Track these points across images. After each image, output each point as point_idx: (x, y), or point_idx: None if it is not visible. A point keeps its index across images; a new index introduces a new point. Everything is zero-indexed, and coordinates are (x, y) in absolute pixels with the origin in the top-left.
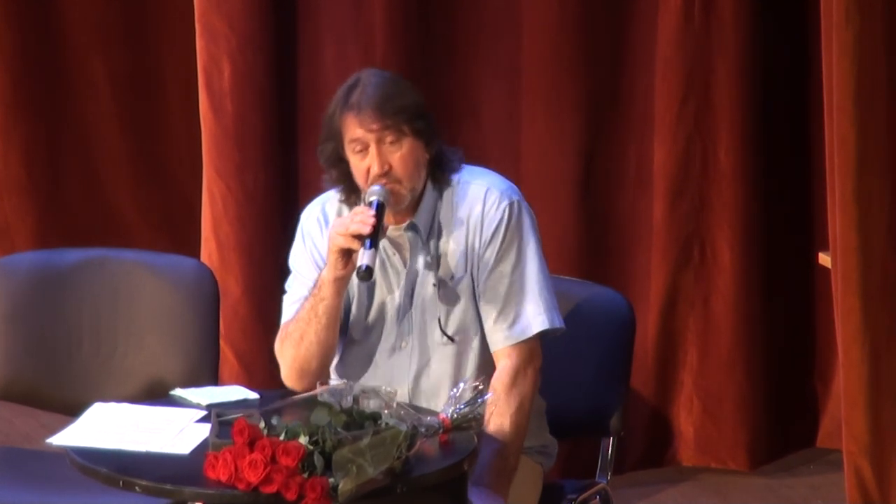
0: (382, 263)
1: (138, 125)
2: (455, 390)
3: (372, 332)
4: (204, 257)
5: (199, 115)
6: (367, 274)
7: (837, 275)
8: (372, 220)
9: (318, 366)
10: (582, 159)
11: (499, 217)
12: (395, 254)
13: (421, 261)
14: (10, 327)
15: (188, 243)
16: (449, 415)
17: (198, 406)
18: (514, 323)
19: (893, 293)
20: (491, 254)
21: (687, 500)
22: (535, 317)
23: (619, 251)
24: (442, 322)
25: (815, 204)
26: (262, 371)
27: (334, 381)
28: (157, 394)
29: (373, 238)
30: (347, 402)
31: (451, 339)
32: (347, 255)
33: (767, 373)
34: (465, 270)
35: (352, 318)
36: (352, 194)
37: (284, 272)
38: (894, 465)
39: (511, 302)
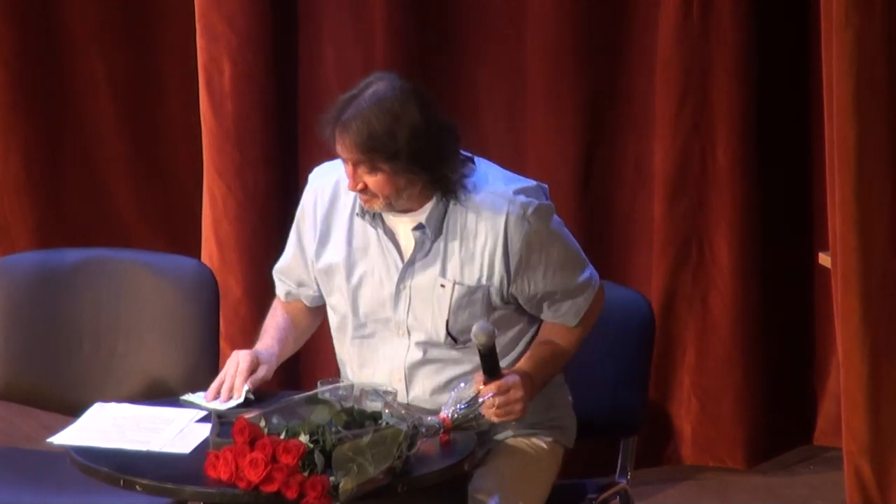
0: (375, 255)
1: (138, 125)
2: (455, 390)
3: (363, 321)
4: (204, 257)
5: (200, 115)
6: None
7: (837, 275)
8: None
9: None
10: (581, 159)
11: (523, 239)
12: (392, 247)
13: (428, 260)
14: (10, 327)
15: (188, 243)
16: (449, 415)
17: (203, 410)
18: (567, 313)
19: (893, 293)
20: (523, 275)
21: (685, 499)
22: (584, 302)
23: (618, 250)
24: (450, 323)
25: (815, 203)
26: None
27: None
28: (157, 394)
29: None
30: (348, 401)
31: (454, 339)
32: None
33: (765, 371)
34: (482, 282)
35: (337, 303)
36: None
37: None
38: (894, 465)
39: (560, 302)
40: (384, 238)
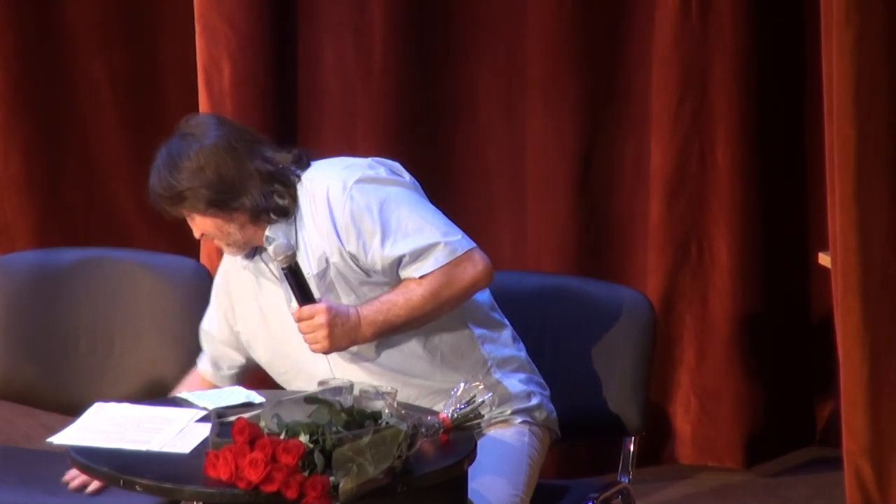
0: (259, 281)
1: (138, 125)
2: (455, 390)
3: (283, 339)
4: (203, 258)
5: None
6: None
7: (837, 275)
8: None
9: None
10: (580, 158)
11: (347, 212)
12: (272, 281)
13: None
14: (10, 327)
15: (188, 243)
16: (449, 414)
17: (203, 409)
18: (413, 270)
19: (893, 293)
20: (361, 247)
21: (684, 499)
22: (433, 262)
23: (617, 250)
24: None
25: (813, 203)
26: (260, 371)
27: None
28: (156, 393)
29: None
30: (348, 401)
31: None
32: None
33: (764, 372)
34: (324, 262)
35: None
36: None
37: None
38: (894, 465)
39: (409, 264)
40: (264, 278)
